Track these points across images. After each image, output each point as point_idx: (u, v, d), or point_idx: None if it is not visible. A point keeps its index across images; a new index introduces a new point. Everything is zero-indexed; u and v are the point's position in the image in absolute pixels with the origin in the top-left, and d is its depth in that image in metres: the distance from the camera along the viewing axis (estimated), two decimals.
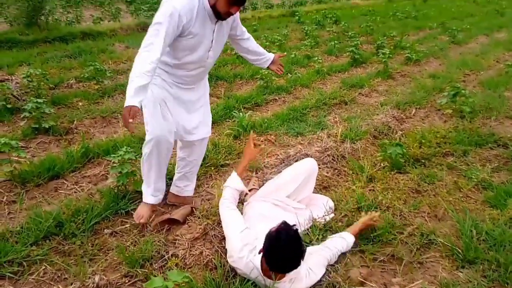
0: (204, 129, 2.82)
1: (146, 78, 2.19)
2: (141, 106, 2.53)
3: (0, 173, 3.32)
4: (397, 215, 2.92)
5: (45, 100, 4.58)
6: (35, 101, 4.17)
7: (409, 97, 5.51)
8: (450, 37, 10.14)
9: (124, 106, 2.19)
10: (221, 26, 2.51)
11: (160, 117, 2.54)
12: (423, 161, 3.75)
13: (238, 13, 2.58)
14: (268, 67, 3.02)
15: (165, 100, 2.55)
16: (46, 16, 9.97)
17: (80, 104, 5.16)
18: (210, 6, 2.35)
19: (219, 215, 2.71)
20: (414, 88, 6.08)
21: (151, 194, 2.82)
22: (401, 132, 4.40)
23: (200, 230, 2.65)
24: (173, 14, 2.23)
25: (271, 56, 2.99)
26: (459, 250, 2.52)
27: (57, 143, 4.11)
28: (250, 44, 2.88)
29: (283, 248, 1.86)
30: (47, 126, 4.22)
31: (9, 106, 4.68)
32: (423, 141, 4.05)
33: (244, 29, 2.81)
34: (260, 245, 2.02)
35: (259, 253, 2.00)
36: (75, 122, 4.55)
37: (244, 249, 2.10)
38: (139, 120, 2.30)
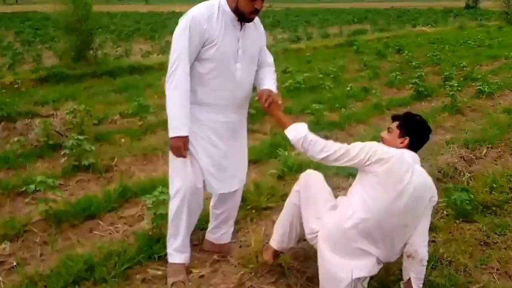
0: (238, 179, 2.78)
1: (186, 99, 2.39)
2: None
3: (35, 212, 3.53)
4: (460, 271, 2.76)
5: (87, 136, 4.85)
6: (75, 138, 4.42)
7: (480, 135, 5.31)
8: None
9: (173, 136, 2.39)
10: (248, 33, 2.51)
11: (188, 165, 2.54)
12: (494, 208, 3.56)
13: (264, 35, 2.65)
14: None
15: (195, 144, 2.54)
16: (95, 50, 10.73)
17: (123, 140, 5.42)
18: (232, 10, 2.40)
19: (256, 263, 2.70)
20: (486, 124, 5.86)
21: (180, 251, 2.74)
22: (469, 175, 4.21)
23: (236, 280, 2.65)
24: (192, 24, 2.33)
25: (268, 87, 2.63)
26: None
27: (96, 181, 4.31)
28: (264, 75, 2.69)
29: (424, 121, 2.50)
30: (87, 164, 4.44)
31: (51, 142, 5.00)
32: (494, 185, 3.85)
33: (269, 59, 2.75)
34: None
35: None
36: (115, 160, 4.77)
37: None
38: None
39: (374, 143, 2.37)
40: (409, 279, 2.40)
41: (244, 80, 2.56)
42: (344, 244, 2.33)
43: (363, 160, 2.28)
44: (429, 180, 2.36)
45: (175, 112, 2.39)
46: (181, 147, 2.40)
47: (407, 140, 2.41)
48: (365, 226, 2.29)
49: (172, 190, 2.66)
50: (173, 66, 2.39)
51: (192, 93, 2.48)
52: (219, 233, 2.99)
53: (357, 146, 2.34)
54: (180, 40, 2.37)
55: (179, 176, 2.57)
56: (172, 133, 2.41)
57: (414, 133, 2.43)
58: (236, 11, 2.39)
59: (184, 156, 2.45)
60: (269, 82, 2.64)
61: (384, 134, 2.52)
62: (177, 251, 2.72)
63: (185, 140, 2.41)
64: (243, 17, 2.42)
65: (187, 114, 2.40)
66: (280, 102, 2.54)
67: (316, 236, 2.44)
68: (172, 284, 2.66)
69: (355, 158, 2.30)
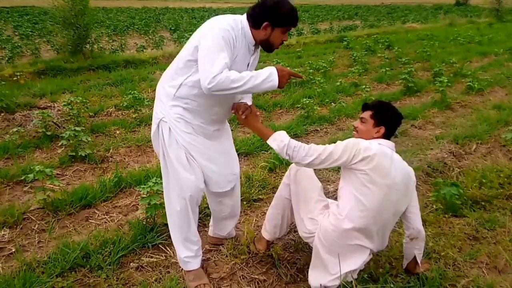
0: (233, 177, 2.71)
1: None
2: (163, 155, 2.52)
3: (33, 200, 3.52)
4: (450, 265, 2.76)
5: (84, 128, 4.87)
6: (72, 129, 4.44)
7: (470, 131, 5.29)
8: None
9: (275, 81, 2.20)
10: (255, 57, 2.44)
11: (188, 168, 2.46)
12: (483, 203, 3.56)
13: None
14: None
15: (190, 148, 2.46)
16: (91, 44, 10.71)
17: (118, 132, 5.41)
18: (257, 40, 2.31)
19: (247, 254, 2.70)
20: (475, 120, 5.85)
21: (196, 256, 2.62)
22: (458, 170, 4.21)
23: (227, 270, 2.63)
24: (226, 37, 2.18)
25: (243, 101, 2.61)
26: None
27: (92, 172, 4.30)
28: None
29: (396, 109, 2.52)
30: (83, 154, 4.43)
31: (48, 133, 4.99)
32: (483, 180, 3.85)
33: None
34: None
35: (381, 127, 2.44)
36: (110, 151, 4.76)
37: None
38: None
39: (355, 140, 2.32)
40: (414, 257, 2.54)
41: (239, 97, 2.54)
42: (342, 243, 2.33)
43: (347, 161, 2.27)
44: (406, 166, 2.42)
45: (255, 75, 2.17)
46: (284, 73, 2.24)
47: (382, 130, 2.42)
48: (363, 224, 2.29)
49: (171, 200, 2.53)
50: (215, 67, 2.12)
51: (190, 101, 2.39)
52: (225, 233, 2.94)
53: (339, 147, 2.30)
54: (220, 47, 2.15)
55: (181, 185, 2.46)
56: (271, 83, 2.20)
57: (389, 122, 2.45)
58: (266, 42, 2.31)
59: (300, 76, 2.46)
60: (246, 97, 2.59)
61: (358, 123, 2.49)
62: (191, 258, 2.61)
63: (279, 69, 2.23)
64: (269, 47, 2.36)
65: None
66: (258, 113, 2.48)
67: (313, 236, 2.43)
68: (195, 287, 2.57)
69: (339, 159, 2.28)
